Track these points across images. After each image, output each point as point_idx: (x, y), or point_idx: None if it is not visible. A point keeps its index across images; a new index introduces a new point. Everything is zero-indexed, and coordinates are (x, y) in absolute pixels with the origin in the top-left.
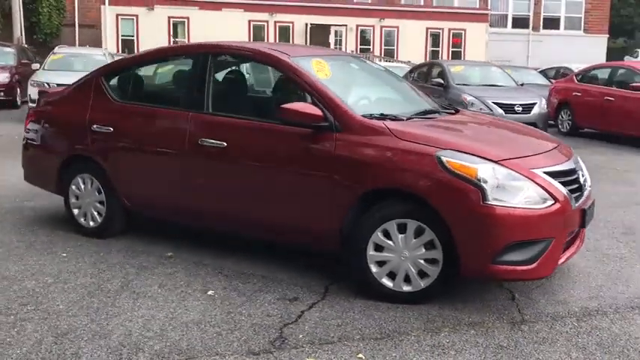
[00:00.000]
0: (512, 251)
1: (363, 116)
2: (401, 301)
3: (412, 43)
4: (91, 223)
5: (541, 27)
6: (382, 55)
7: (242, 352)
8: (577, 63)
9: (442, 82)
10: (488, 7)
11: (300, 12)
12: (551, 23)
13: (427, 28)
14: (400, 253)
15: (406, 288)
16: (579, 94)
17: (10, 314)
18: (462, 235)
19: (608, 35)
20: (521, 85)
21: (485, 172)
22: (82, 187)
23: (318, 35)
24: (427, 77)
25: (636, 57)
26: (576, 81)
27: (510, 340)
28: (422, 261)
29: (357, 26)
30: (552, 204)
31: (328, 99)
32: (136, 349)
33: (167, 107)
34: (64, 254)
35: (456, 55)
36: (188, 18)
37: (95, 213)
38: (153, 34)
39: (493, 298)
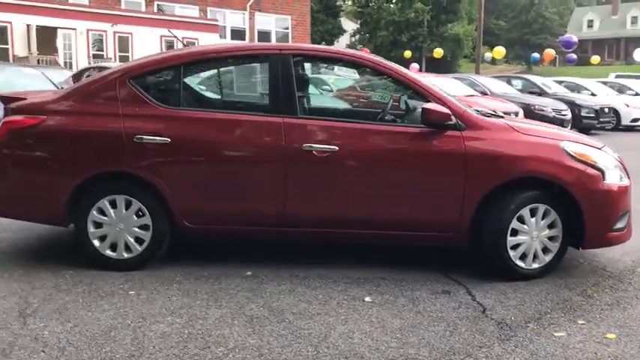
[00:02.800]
0: (618, 221)
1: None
2: (530, 277)
3: (147, 50)
4: (125, 254)
5: (256, 39)
6: (117, 62)
7: (496, 341)
8: None
9: None
10: (208, 18)
11: (20, 11)
12: (264, 37)
13: (161, 36)
14: (531, 235)
15: (535, 265)
16: None
17: (213, 358)
18: (590, 212)
19: None
20: None
21: (601, 157)
22: (111, 211)
23: (45, 38)
24: None
25: None
26: None
27: None
28: (546, 239)
29: (88, 30)
30: (628, 180)
31: (447, 100)
32: None
33: (246, 113)
34: (132, 292)
35: None
36: None
37: (132, 240)
38: None
39: (570, 265)
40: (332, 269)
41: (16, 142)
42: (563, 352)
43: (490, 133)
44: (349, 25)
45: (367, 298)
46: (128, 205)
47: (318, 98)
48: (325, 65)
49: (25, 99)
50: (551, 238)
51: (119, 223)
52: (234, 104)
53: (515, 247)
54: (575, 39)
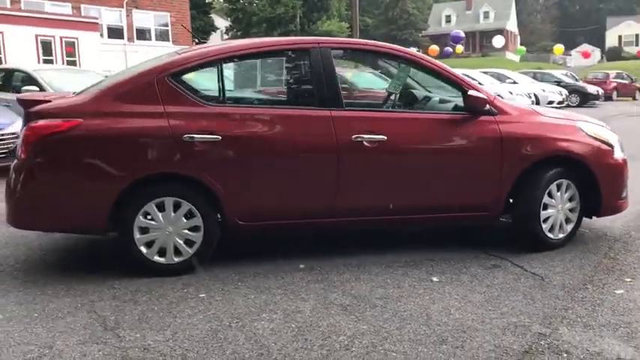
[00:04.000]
0: (623, 190)
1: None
2: (557, 247)
3: (22, 50)
4: (175, 259)
5: (135, 38)
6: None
7: (574, 303)
8: None
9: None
10: (87, 16)
11: None
12: (143, 35)
13: (37, 35)
14: (557, 208)
15: (560, 235)
16: None
17: (342, 347)
18: (605, 184)
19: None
20: None
21: (608, 134)
22: (159, 215)
23: None
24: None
25: None
26: None
27: None
28: (568, 211)
29: None
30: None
31: (480, 88)
32: (522, 331)
33: (292, 108)
34: (202, 294)
35: (72, 64)
36: None
37: (182, 243)
38: None
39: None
40: (376, 255)
41: (51, 148)
42: (635, 306)
43: (519, 117)
44: (221, 22)
45: (434, 278)
46: (176, 207)
47: (359, 90)
48: (363, 57)
49: (48, 101)
50: (571, 210)
51: (168, 227)
52: (277, 99)
53: (545, 220)
54: (462, 34)
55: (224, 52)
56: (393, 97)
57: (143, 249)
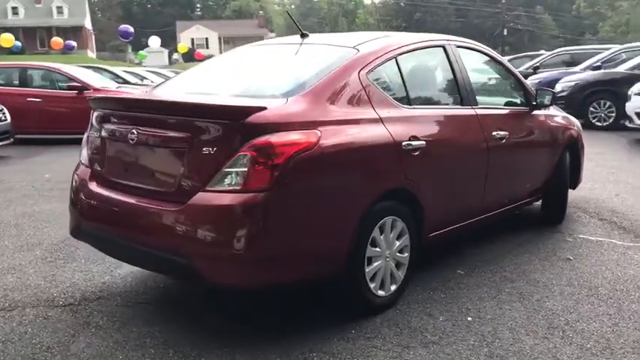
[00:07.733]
0: None
1: None
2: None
3: None
4: (393, 287)
5: None
6: None
7: None
8: None
9: None
10: None
11: None
12: None
13: None
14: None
15: None
16: None
17: None
18: (581, 161)
19: None
20: None
21: (577, 121)
22: (381, 239)
23: None
24: None
25: None
26: None
27: None
28: None
29: None
30: None
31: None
32: None
33: (452, 107)
34: (469, 317)
35: None
36: None
37: (394, 268)
38: None
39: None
40: (482, 248)
41: (299, 171)
42: None
43: (550, 111)
44: None
45: (569, 256)
46: (394, 227)
47: (484, 87)
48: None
49: (264, 108)
50: None
51: (387, 251)
52: (439, 99)
53: None
54: (132, 29)
55: (403, 45)
56: (495, 95)
57: (372, 284)
